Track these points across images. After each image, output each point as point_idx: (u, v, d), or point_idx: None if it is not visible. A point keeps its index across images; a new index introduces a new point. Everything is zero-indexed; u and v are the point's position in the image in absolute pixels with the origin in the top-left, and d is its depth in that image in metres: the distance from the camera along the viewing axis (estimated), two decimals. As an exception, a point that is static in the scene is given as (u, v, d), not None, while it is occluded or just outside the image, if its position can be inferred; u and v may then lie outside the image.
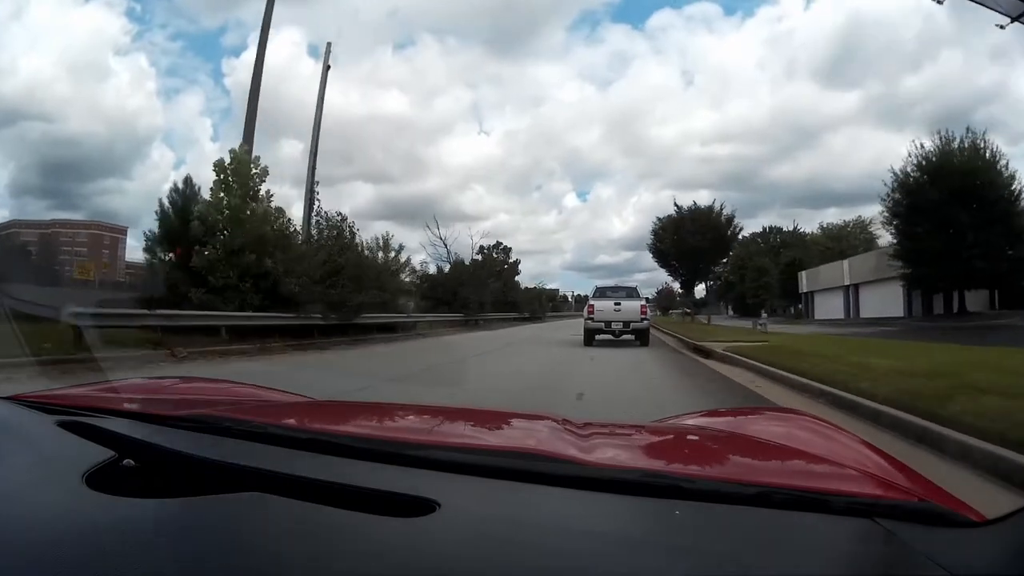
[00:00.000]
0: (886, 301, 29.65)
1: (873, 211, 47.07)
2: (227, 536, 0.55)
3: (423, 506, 0.57)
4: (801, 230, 58.57)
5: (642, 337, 13.17)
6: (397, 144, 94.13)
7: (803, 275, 42.93)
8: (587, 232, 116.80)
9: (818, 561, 0.54)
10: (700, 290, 43.74)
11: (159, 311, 10.37)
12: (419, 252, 41.20)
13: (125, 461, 0.67)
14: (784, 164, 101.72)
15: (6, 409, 0.91)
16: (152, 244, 13.62)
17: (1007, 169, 24.16)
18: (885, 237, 31.37)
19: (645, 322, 13.33)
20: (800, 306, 44.48)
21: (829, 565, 0.55)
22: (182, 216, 13.12)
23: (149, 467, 0.67)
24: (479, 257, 37.53)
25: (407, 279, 22.68)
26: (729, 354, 8.92)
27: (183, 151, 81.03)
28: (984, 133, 24.92)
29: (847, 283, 35.18)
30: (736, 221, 35.79)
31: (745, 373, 7.32)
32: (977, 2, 7.96)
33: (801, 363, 6.65)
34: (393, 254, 20.31)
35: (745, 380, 6.69)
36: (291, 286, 12.67)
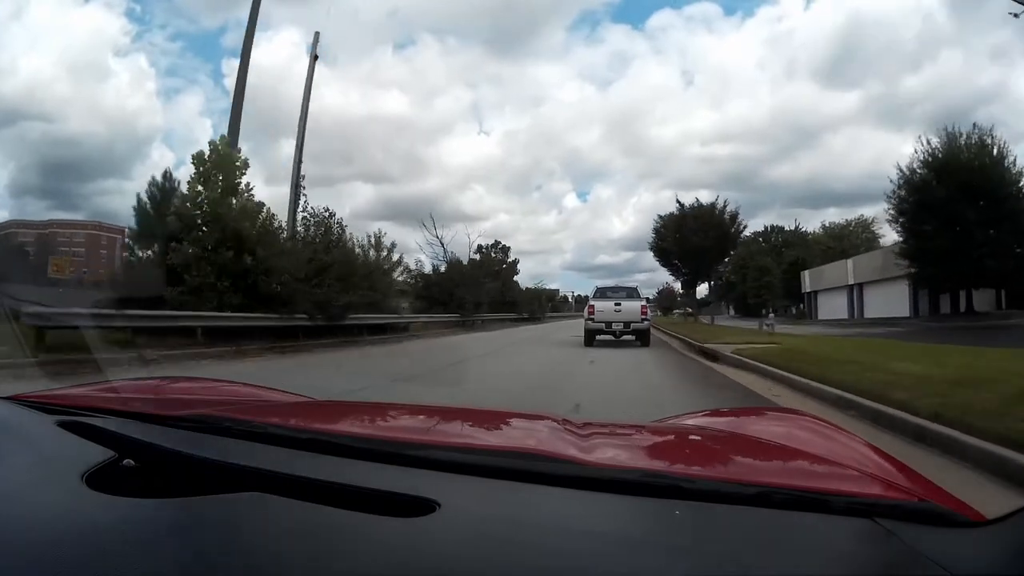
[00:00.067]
0: (891, 301, 29.17)
1: (873, 211, 46.92)
2: (227, 536, 0.56)
3: (423, 506, 0.57)
4: (803, 229, 58.28)
5: (643, 337, 13.18)
6: (397, 144, 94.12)
7: (806, 274, 42.55)
8: (587, 232, 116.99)
9: (818, 561, 0.54)
10: (702, 290, 43.07)
11: (128, 311, 9.77)
12: (418, 252, 40.92)
13: (125, 461, 0.67)
14: (784, 164, 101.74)
15: (6, 409, 0.91)
16: (130, 243, 13.06)
17: (1015, 166, 23.87)
18: (888, 236, 31.00)
19: (646, 322, 13.34)
20: (802, 306, 44.02)
21: (829, 565, 0.54)
22: (159, 212, 12.53)
23: (149, 467, 0.68)
24: (477, 257, 37.04)
25: (401, 278, 22.12)
26: (740, 358, 8.30)
27: (183, 151, 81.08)
28: (991, 129, 24.57)
29: (851, 282, 34.70)
30: (740, 219, 35.00)
31: (760, 380, 6.62)
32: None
33: (824, 369, 5.95)
34: (385, 252, 19.77)
35: (762, 388, 6.01)
36: (272, 285, 12.04)
